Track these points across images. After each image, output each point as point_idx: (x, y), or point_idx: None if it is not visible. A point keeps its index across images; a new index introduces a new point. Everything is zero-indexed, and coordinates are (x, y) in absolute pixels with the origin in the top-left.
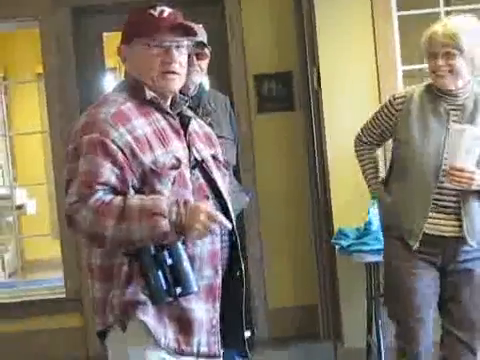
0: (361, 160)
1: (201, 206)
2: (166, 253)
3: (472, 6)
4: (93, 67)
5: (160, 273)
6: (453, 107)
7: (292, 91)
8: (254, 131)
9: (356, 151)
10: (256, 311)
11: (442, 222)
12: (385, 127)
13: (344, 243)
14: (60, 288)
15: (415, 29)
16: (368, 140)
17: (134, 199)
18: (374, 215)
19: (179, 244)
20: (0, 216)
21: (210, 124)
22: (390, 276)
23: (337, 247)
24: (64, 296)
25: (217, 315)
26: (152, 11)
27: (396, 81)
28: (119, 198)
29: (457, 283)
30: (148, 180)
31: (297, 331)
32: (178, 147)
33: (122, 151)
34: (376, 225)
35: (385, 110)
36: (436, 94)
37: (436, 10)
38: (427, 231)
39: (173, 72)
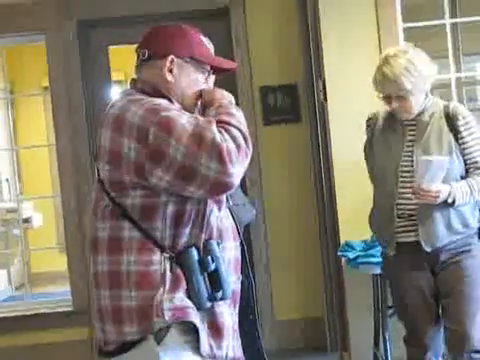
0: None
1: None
2: (209, 258)
3: (477, 18)
4: (99, 80)
5: (202, 278)
6: (409, 122)
7: (298, 103)
8: (260, 143)
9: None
10: (263, 323)
11: (408, 228)
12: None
13: (351, 255)
14: (67, 301)
15: (421, 41)
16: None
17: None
18: None
19: (218, 248)
20: (7, 229)
21: None
22: (391, 287)
23: (344, 259)
24: (71, 309)
25: (237, 320)
26: (203, 38)
27: None
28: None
29: (447, 279)
30: None
31: (304, 343)
32: None
33: None
34: None
35: (365, 132)
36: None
37: (441, 22)
38: (401, 239)
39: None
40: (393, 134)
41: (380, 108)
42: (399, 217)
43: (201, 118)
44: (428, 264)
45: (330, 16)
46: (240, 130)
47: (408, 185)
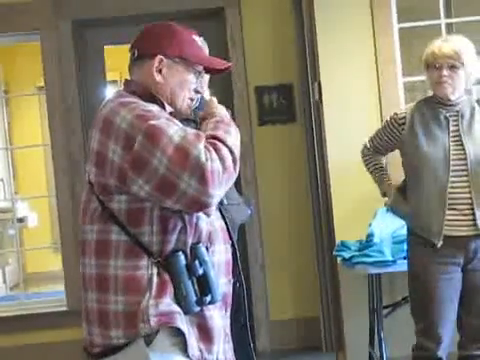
0: (368, 166)
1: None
2: (197, 263)
3: (472, 18)
4: (94, 80)
5: (190, 283)
6: (451, 114)
7: (293, 103)
8: (255, 143)
9: (363, 159)
10: (258, 323)
11: (459, 222)
12: (389, 139)
13: (346, 255)
14: (61, 301)
15: (416, 41)
16: (373, 146)
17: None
18: (375, 227)
19: (206, 252)
20: (2, 229)
21: None
22: (415, 279)
23: (339, 259)
24: (66, 309)
25: (229, 323)
26: (196, 38)
27: (397, 93)
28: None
29: (475, 281)
30: None
31: (299, 343)
32: None
33: None
34: (378, 237)
35: (390, 126)
36: (435, 104)
37: (437, 22)
38: (448, 233)
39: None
40: (437, 126)
41: (373, 109)
42: (449, 208)
43: (190, 131)
44: (464, 259)
45: (325, 16)
46: (232, 151)
47: (460, 174)
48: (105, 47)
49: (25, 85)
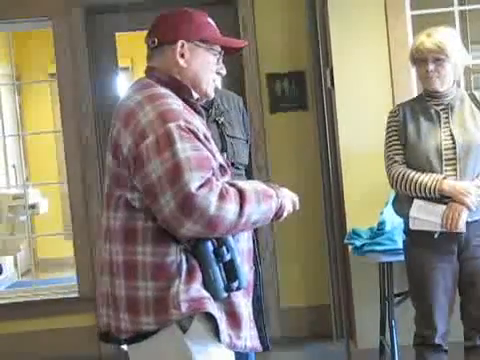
0: (411, 178)
1: (287, 190)
2: (224, 249)
3: None
4: (106, 67)
5: (218, 269)
6: (442, 107)
7: (305, 91)
8: (267, 131)
9: (399, 176)
10: (268, 310)
11: None
12: (399, 139)
13: (357, 243)
14: (73, 287)
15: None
16: (394, 160)
17: (241, 183)
18: (387, 215)
19: (232, 239)
20: (13, 215)
21: (223, 124)
22: (412, 269)
23: (350, 247)
24: (77, 295)
25: (251, 310)
26: (210, 19)
27: (410, 80)
28: (227, 183)
29: (473, 268)
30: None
31: (309, 331)
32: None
33: (207, 141)
34: (389, 225)
35: (391, 125)
36: (426, 99)
37: (450, 9)
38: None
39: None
40: (427, 120)
41: (386, 96)
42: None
43: (201, 156)
44: (458, 248)
45: (338, 3)
46: (239, 214)
47: (451, 163)
48: (117, 34)
49: (37, 72)
